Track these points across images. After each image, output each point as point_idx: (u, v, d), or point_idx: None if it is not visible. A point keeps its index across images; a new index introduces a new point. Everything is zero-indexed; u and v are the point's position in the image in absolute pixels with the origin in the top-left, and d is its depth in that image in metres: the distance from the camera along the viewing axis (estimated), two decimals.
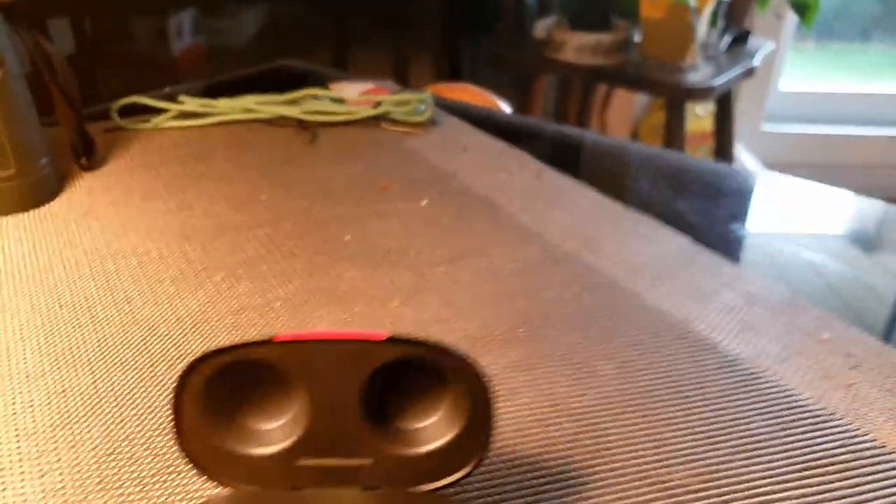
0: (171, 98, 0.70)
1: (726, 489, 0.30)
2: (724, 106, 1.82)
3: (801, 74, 2.26)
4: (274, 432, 0.26)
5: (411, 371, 0.26)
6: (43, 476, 0.30)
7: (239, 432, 0.26)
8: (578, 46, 1.59)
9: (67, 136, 0.58)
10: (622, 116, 1.91)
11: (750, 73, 1.69)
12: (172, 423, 0.26)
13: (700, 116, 1.99)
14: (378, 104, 0.71)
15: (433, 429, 0.26)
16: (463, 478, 0.26)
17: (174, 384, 0.25)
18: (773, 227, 0.58)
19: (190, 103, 0.70)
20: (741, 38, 1.76)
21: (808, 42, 2.32)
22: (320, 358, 0.25)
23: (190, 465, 0.26)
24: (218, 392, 0.26)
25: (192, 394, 0.25)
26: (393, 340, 0.25)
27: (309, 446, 0.26)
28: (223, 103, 0.70)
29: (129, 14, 1.06)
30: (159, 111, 0.70)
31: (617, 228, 0.53)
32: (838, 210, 0.62)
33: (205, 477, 0.26)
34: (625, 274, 0.47)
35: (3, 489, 0.29)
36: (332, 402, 0.26)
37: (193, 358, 0.25)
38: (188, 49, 1.13)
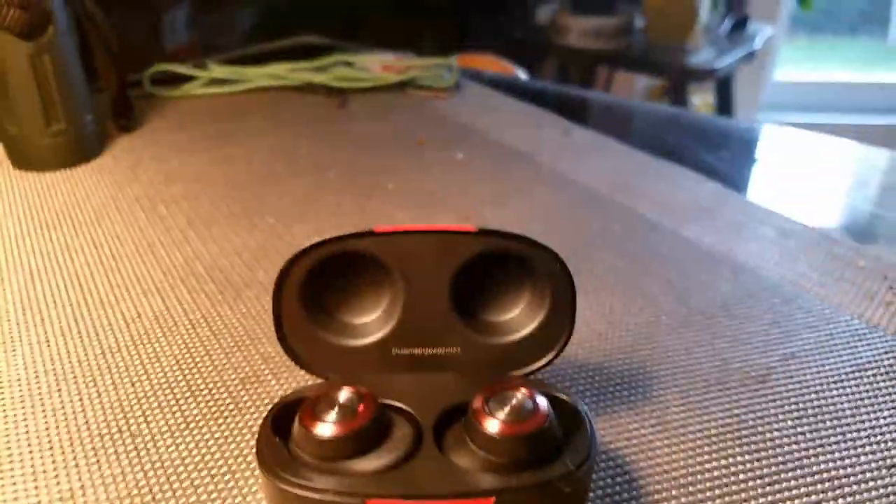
0: (202, 68, 0.72)
1: (783, 387, 0.32)
2: (725, 94, 1.84)
3: (794, 67, 2.30)
4: (369, 325, 0.28)
5: (497, 264, 0.28)
6: (133, 384, 0.32)
7: (335, 326, 0.28)
8: (581, 31, 1.61)
9: (109, 96, 0.59)
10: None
11: (750, 56, 1.71)
12: (273, 317, 0.27)
13: (698, 106, 2.01)
14: (403, 70, 0.72)
15: (518, 319, 0.28)
16: (545, 365, 0.28)
17: (277, 276, 0.26)
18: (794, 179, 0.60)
19: (219, 70, 0.71)
20: (741, 23, 1.78)
21: (800, 36, 2.35)
22: (416, 249, 0.27)
23: (290, 359, 0.27)
24: (317, 285, 0.27)
25: (292, 287, 0.27)
26: (483, 232, 0.27)
27: (402, 336, 0.27)
28: (252, 71, 0.72)
29: (121, 9, 1.06)
30: (189, 79, 0.71)
31: (648, 175, 0.54)
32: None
33: (304, 370, 0.27)
34: (661, 212, 0.48)
35: (99, 395, 0.31)
36: (425, 292, 0.27)
37: (290, 256, 0.26)
38: (182, 45, 1.14)
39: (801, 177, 0.60)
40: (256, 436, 0.24)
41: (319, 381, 0.27)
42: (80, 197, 0.49)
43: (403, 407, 0.25)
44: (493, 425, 0.23)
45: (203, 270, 0.41)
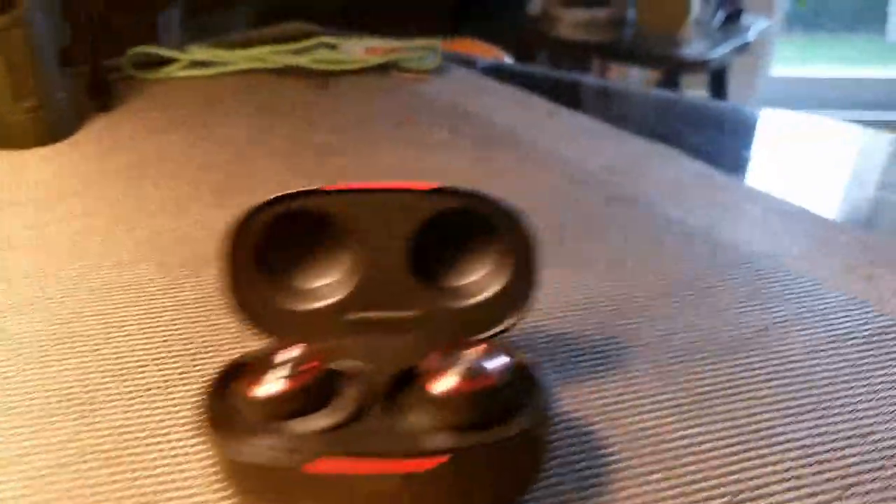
0: (182, 50, 0.71)
1: (757, 358, 0.31)
2: (718, 87, 1.83)
3: (791, 63, 2.30)
4: (324, 288, 0.27)
5: (458, 226, 0.27)
6: (91, 353, 0.31)
7: (290, 288, 0.27)
8: (573, 22, 1.60)
9: (86, 76, 0.58)
10: None
11: (744, 48, 1.71)
12: (223, 276, 0.26)
13: None
14: (387, 52, 0.71)
15: (479, 282, 0.27)
16: (507, 329, 0.27)
17: (226, 233, 0.26)
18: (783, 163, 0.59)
19: (200, 53, 0.70)
20: (735, 15, 1.78)
21: (798, 33, 2.35)
22: (371, 207, 0.26)
23: (240, 320, 0.26)
24: (269, 247, 0.26)
25: (244, 246, 0.26)
26: (442, 190, 0.26)
27: (358, 300, 0.26)
28: (232, 53, 0.71)
29: (115, 9, 1.05)
30: (169, 63, 0.70)
31: (634, 156, 0.53)
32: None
33: (255, 331, 0.27)
34: (646, 191, 0.47)
35: (59, 361, 0.30)
36: (382, 254, 0.26)
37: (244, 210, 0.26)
38: (177, 45, 1.12)
39: (791, 158, 0.59)
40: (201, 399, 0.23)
41: (268, 341, 0.26)
42: (51, 175, 0.48)
43: (354, 368, 0.24)
44: (443, 383, 0.22)
45: (172, 245, 0.40)
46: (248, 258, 0.26)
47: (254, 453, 0.21)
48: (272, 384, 0.22)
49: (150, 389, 0.29)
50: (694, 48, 1.56)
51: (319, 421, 0.22)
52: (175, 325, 0.33)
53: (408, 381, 0.23)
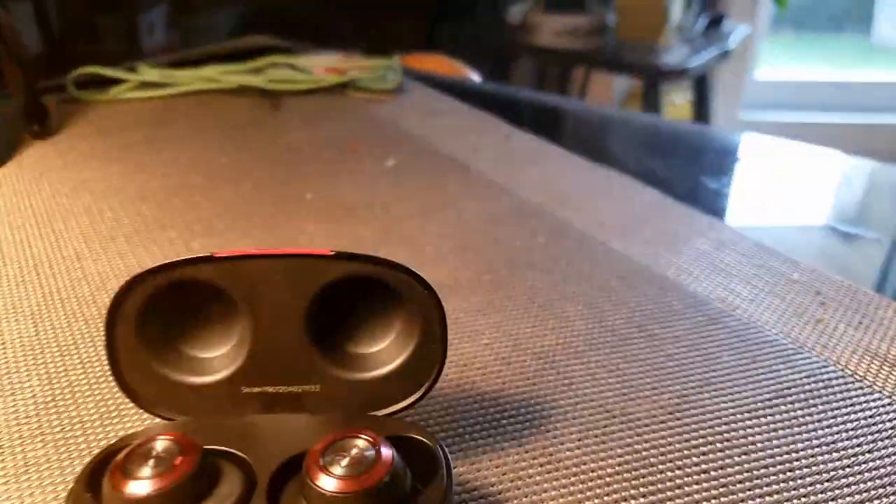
0: (132, 70, 0.69)
1: (693, 419, 0.30)
2: (701, 92, 1.82)
3: (777, 63, 2.29)
4: (216, 360, 0.25)
5: (359, 292, 0.25)
6: None
7: (179, 361, 0.25)
8: (554, 30, 1.59)
9: (19, 102, 0.56)
10: (601, 102, 1.90)
11: (725, 55, 1.70)
12: (107, 351, 0.24)
13: (678, 105, 1.99)
14: (345, 71, 0.69)
15: (384, 353, 0.25)
16: (415, 403, 0.25)
17: (107, 308, 0.24)
18: (755, 185, 0.57)
19: (150, 73, 0.68)
20: (716, 22, 1.77)
21: (784, 33, 2.35)
22: (263, 275, 0.24)
23: (127, 397, 0.25)
24: (155, 318, 0.24)
25: (127, 319, 0.24)
26: (339, 256, 0.24)
27: (253, 373, 0.24)
28: (184, 73, 0.69)
29: (98, 10, 1.03)
30: (118, 83, 0.68)
31: (586, 183, 0.52)
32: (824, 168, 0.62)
33: (142, 409, 0.25)
34: (593, 224, 0.46)
35: None
36: (277, 324, 0.24)
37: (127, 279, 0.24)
38: (160, 47, 1.10)
39: (755, 182, 0.57)
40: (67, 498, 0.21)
41: (141, 430, 0.24)
42: None
43: (237, 457, 0.22)
44: (326, 482, 0.20)
45: (88, 293, 0.38)
46: (131, 331, 0.24)
47: None
48: (141, 482, 0.20)
49: (37, 465, 0.27)
50: (674, 55, 1.54)
51: None
52: (76, 387, 0.31)
53: (294, 471, 0.21)
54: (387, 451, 0.21)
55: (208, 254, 0.24)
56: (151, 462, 0.20)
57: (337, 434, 0.21)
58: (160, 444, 0.21)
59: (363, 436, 0.21)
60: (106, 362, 0.32)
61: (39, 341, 0.34)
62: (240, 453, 0.22)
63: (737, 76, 2.15)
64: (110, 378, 0.31)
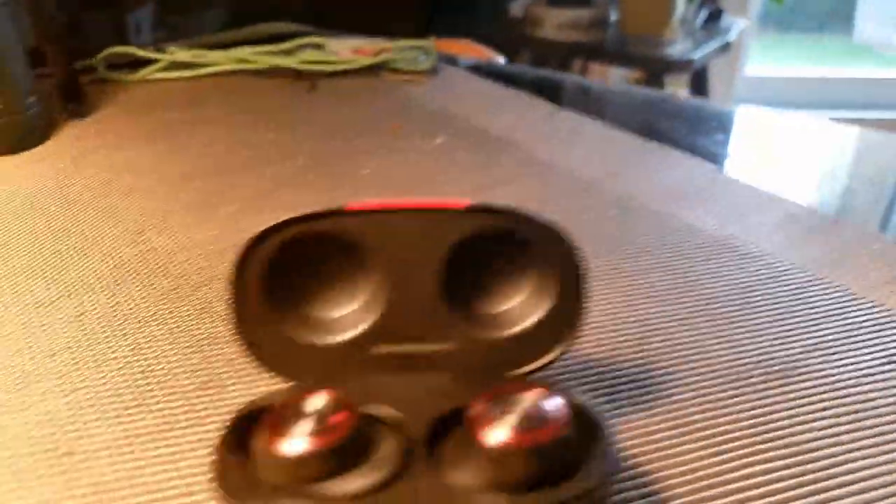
0: (160, 51, 0.67)
1: (806, 384, 0.29)
2: (700, 86, 1.82)
3: (763, 62, 2.32)
4: (345, 319, 0.24)
5: (494, 247, 0.24)
6: (69, 395, 0.27)
7: (305, 321, 0.24)
8: (557, 23, 1.58)
9: (56, 81, 0.54)
10: None
11: (725, 48, 1.70)
12: (231, 308, 0.23)
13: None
14: (379, 52, 0.68)
15: (517, 310, 0.24)
16: (550, 362, 0.24)
17: (234, 262, 0.22)
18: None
19: (180, 53, 0.66)
20: (715, 15, 1.77)
21: (769, 32, 2.38)
22: (397, 229, 0.23)
23: (251, 357, 0.23)
24: (280, 276, 0.23)
25: (254, 275, 0.23)
26: (475, 209, 0.23)
27: (384, 332, 0.23)
28: (215, 54, 0.67)
29: (84, 9, 1.00)
30: (147, 63, 0.66)
31: (641, 159, 0.51)
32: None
33: (268, 371, 0.23)
34: (658, 198, 0.45)
35: (26, 408, 0.26)
36: (410, 281, 0.23)
37: (252, 236, 0.22)
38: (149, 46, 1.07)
39: (799, 160, 0.57)
40: (213, 454, 0.20)
41: (289, 386, 0.23)
42: (18, 186, 0.44)
43: (389, 416, 0.21)
44: (497, 435, 0.19)
45: (157, 265, 0.36)
46: (257, 289, 0.23)
47: None
48: (299, 441, 0.19)
49: (143, 436, 0.25)
50: (678, 48, 1.54)
51: (354, 483, 0.19)
52: (167, 358, 0.29)
53: (449, 429, 0.20)
54: (559, 406, 0.20)
55: (340, 207, 0.23)
56: (307, 420, 0.19)
57: (502, 387, 0.20)
58: (314, 403, 0.20)
59: (532, 389, 0.20)
60: (193, 332, 0.31)
61: (120, 312, 0.32)
62: (391, 414, 0.21)
63: (728, 71, 2.16)
64: (200, 348, 0.30)
